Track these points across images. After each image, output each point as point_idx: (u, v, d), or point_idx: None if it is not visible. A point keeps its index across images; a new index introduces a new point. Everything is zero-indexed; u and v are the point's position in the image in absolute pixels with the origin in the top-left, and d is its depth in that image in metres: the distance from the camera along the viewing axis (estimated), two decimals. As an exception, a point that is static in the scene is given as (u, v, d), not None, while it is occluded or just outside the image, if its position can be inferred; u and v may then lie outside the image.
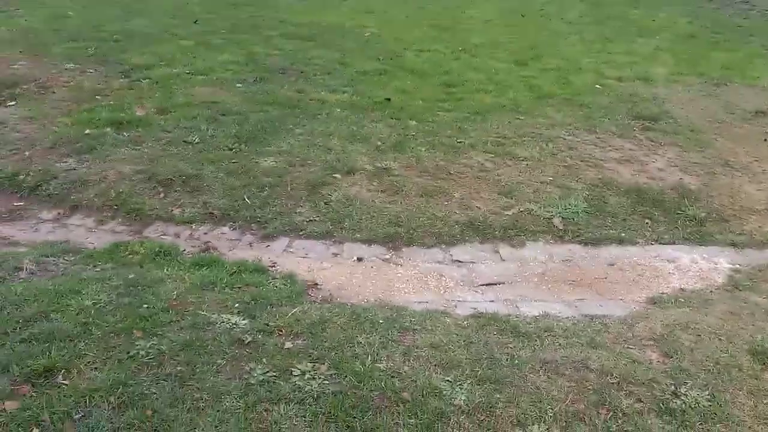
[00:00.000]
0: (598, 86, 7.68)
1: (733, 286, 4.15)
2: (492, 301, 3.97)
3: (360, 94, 7.05)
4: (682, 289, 4.13)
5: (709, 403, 2.97)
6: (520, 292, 4.11)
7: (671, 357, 3.30)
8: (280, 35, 9.25)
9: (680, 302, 3.92)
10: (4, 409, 2.70)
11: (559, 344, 3.40)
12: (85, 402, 2.76)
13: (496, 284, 4.18)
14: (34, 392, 2.79)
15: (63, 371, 2.91)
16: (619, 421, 2.86)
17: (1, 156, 5.10)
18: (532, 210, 4.88)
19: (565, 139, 6.08)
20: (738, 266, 4.41)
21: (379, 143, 5.75)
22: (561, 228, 4.74)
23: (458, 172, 5.35)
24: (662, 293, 4.08)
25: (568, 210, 4.90)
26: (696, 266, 4.42)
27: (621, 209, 4.99)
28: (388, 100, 6.89)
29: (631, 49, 9.47)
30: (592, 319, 3.72)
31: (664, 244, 4.68)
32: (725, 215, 4.99)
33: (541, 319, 3.67)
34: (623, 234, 4.72)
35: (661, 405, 2.96)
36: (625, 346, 3.41)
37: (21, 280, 3.59)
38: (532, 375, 3.13)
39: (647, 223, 4.88)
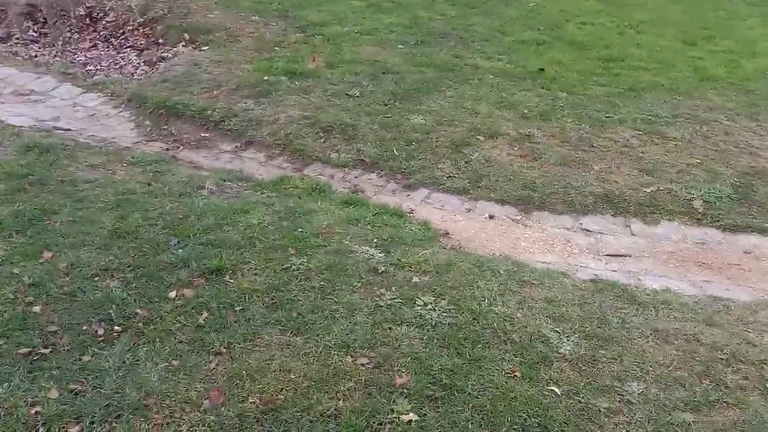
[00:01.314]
0: (772, 72, 7.20)
1: None
2: (615, 270, 4.10)
3: (514, 62, 7.18)
4: (821, 286, 3.99)
5: (821, 393, 2.98)
6: (646, 266, 4.19)
7: (791, 346, 3.29)
8: (444, 1, 9.50)
9: (816, 298, 3.82)
10: (183, 294, 3.37)
11: (674, 317, 3.50)
12: (245, 298, 3.35)
13: (622, 256, 4.28)
14: (206, 285, 3.44)
15: (230, 272, 3.54)
16: (720, 393, 2.97)
17: (194, 92, 5.94)
18: (673, 190, 4.86)
19: (722, 123, 5.87)
20: None
21: (526, 111, 5.92)
22: (700, 211, 4.69)
23: (601, 146, 5.40)
24: (799, 287, 3.98)
25: (711, 194, 4.82)
26: None
27: (771, 200, 4.81)
28: (542, 70, 6.97)
29: (820, 35, 8.66)
30: (715, 299, 3.75)
31: (813, 240, 4.48)
32: None
33: (660, 293, 3.76)
34: (767, 224, 4.58)
35: (767, 386, 3.01)
36: (743, 328, 3.44)
37: (203, 197, 4.29)
38: (640, 339, 3.29)
39: (798, 217, 4.68)
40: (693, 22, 9.35)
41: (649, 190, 4.87)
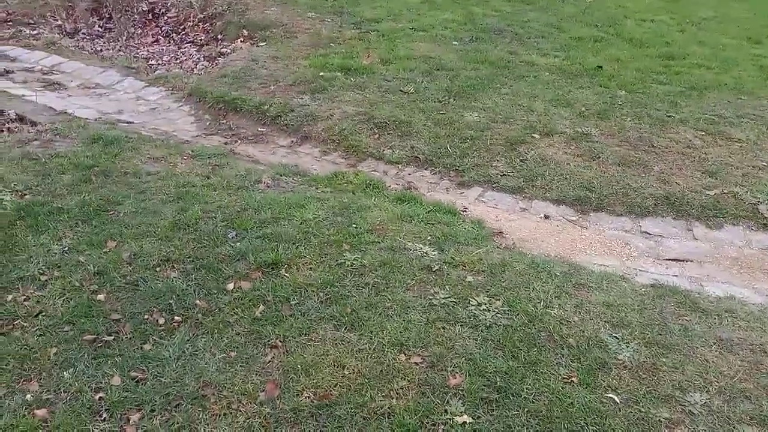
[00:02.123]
0: None
1: None
2: (676, 276, 3.98)
3: (571, 59, 7.05)
4: None
5: None
6: (708, 272, 4.05)
7: None
8: (499, -4, 9.40)
9: None
10: (241, 286, 3.42)
11: (739, 326, 3.37)
12: (300, 293, 3.39)
13: (683, 261, 4.15)
14: (263, 278, 3.48)
15: (285, 266, 3.58)
16: (789, 407, 2.85)
17: (252, 88, 6.03)
18: (738, 193, 4.69)
19: (790, 125, 5.63)
20: None
21: (583, 109, 5.80)
22: (766, 216, 4.50)
23: (662, 146, 5.25)
24: None
25: (779, 199, 4.63)
26: None
27: (844, 206, 4.59)
28: (600, 68, 6.82)
29: None
30: (783, 309, 3.60)
31: None
32: None
33: (724, 300, 3.63)
34: (840, 232, 4.37)
35: (840, 402, 2.88)
36: (814, 341, 3.29)
37: (260, 191, 4.35)
38: (703, 348, 3.18)
39: None
40: (758, 19, 9.01)
41: (712, 193, 4.70)
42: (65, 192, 4.09)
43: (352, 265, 3.60)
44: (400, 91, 6.00)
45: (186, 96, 6.14)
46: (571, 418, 2.75)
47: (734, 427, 2.74)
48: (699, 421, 2.76)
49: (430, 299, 3.39)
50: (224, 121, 5.70)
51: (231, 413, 2.70)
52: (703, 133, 5.50)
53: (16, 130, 5.08)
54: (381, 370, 2.93)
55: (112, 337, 3.04)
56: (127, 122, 5.52)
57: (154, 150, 4.81)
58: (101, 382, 2.80)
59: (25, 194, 4.07)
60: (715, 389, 2.93)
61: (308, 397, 2.79)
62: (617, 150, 5.18)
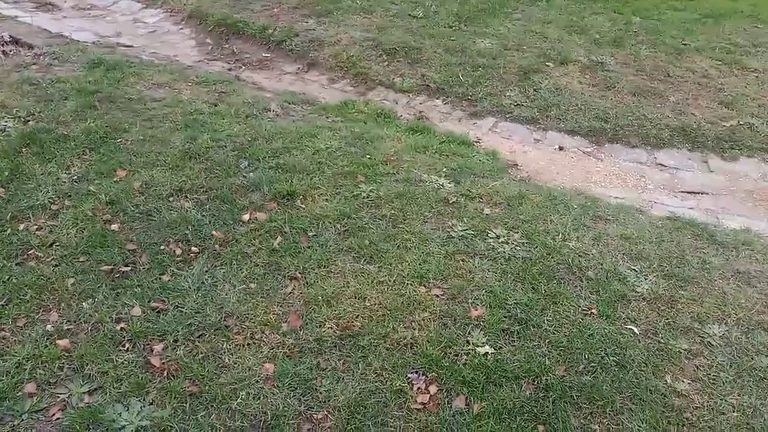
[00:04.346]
0: None
1: None
2: (691, 208, 3.96)
3: (585, -17, 6.79)
4: None
5: None
6: (724, 204, 4.03)
7: None
8: None
9: None
10: (257, 217, 3.36)
11: (756, 259, 3.38)
12: (317, 224, 3.34)
13: (698, 193, 4.13)
14: (279, 209, 3.42)
15: (301, 197, 3.51)
16: (806, 339, 2.88)
17: (254, 10, 5.80)
18: (754, 125, 4.62)
19: (810, 55, 5.51)
20: None
21: (598, 36, 5.64)
22: (783, 149, 4.46)
23: (678, 76, 5.13)
24: None
25: (795, 131, 4.57)
26: None
27: None
28: (614, -8, 6.60)
29: None
30: (799, 242, 3.60)
31: None
32: None
33: (741, 233, 3.63)
34: None
35: None
36: (830, 274, 3.31)
37: (269, 120, 4.23)
38: (721, 281, 3.19)
39: None
40: (778, -59, 8.66)
41: (728, 125, 4.64)
42: (70, 119, 3.96)
43: (368, 197, 3.54)
44: (409, 15, 5.79)
45: (186, 18, 5.90)
46: (592, 348, 2.77)
47: (752, 358, 2.78)
48: (717, 352, 2.79)
49: (448, 231, 3.36)
50: (227, 46, 5.49)
51: (255, 343, 2.70)
52: (719, 62, 5.38)
53: (11, 53, 4.87)
54: (402, 302, 2.92)
55: (130, 268, 3.00)
56: (127, 46, 5.31)
57: (157, 75, 4.64)
58: (121, 313, 2.77)
59: (29, 121, 3.94)
60: (733, 321, 2.96)
61: (331, 328, 2.78)
62: (633, 79, 5.06)
